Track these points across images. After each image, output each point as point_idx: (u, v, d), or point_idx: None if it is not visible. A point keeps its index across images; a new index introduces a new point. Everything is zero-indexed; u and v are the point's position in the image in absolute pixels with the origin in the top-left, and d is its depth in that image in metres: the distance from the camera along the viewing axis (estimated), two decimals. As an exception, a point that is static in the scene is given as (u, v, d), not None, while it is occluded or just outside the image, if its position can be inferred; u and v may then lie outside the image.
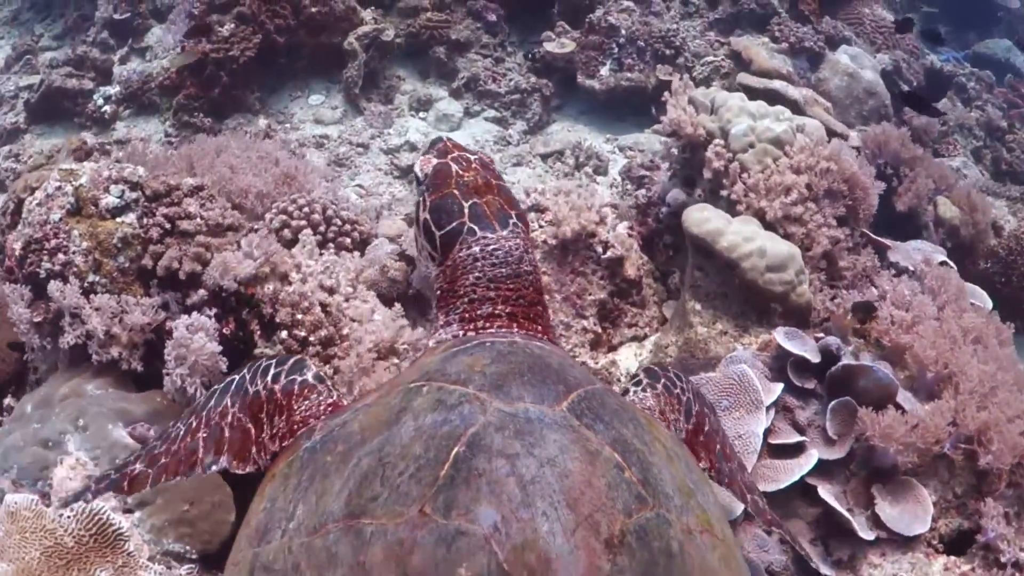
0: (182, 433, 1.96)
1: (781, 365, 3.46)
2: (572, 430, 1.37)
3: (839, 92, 6.97)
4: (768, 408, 3.32)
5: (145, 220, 3.44)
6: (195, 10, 6.89)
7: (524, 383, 1.45)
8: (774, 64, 6.53)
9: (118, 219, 3.41)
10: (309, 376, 1.87)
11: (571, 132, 6.93)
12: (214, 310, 3.39)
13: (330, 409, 1.79)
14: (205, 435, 1.89)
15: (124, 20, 7.13)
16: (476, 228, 1.86)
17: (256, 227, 3.88)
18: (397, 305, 3.58)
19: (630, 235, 4.15)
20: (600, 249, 3.88)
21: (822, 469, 3.30)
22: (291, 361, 1.92)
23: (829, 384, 3.41)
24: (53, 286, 3.28)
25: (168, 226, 3.43)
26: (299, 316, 3.38)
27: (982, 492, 3.29)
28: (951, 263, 4.20)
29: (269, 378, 1.87)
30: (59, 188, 3.52)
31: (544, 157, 6.48)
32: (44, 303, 3.39)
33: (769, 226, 3.73)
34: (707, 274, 3.67)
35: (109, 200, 3.40)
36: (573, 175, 6.31)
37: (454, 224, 1.87)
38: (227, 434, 1.85)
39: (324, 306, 3.51)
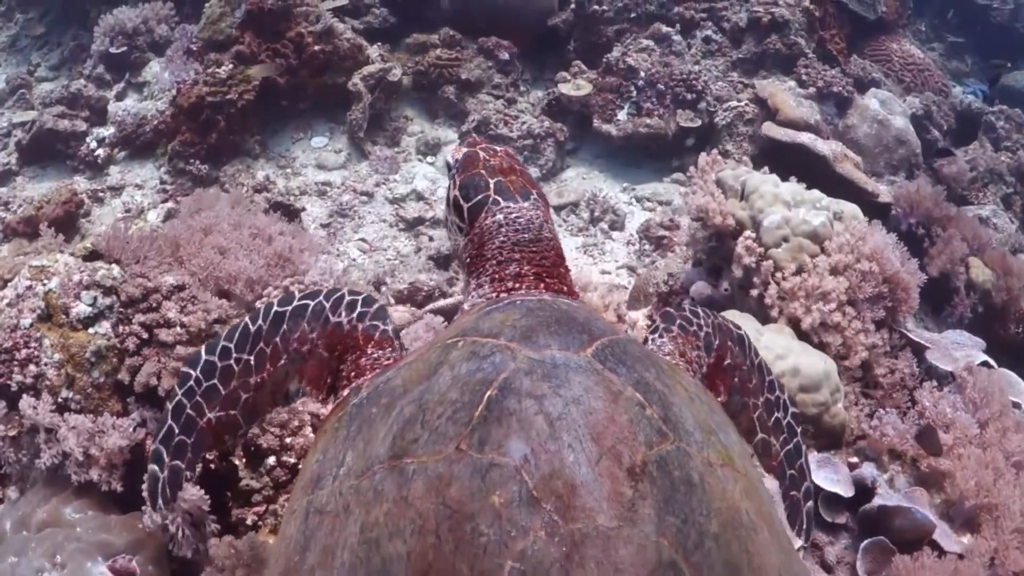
0: (255, 363, 1.99)
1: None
2: (596, 373, 1.45)
3: (868, 140, 6.62)
4: (797, 550, 3.05)
5: (121, 328, 3.15)
6: (193, 46, 6.61)
7: (551, 333, 1.54)
8: (801, 113, 6.19)
9: (91, 330, 3.13)
10: (390, 329, 1.96)
11: (586, 179, 6.61)
12: (195, 429, 3.12)
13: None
14: (287, 362, 1.96)
15: (120, 54, 6.84)
16: (500, 199, 2.01)
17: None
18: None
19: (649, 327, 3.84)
20: (617, 351, 3.57)
21: (851, 609, 3.07)
22: (376, 306, 1.99)
23: (862, 519, 3.18)
24: (25, 403, 3.05)
25: (145, 335, 3.15)
26: (288, 439, 3.09)
27: (1012, 626, 3.15)
28: (992, 362, 3.89)
29: (355, 315, 1.95)
30: (29, 288, 3.24)
31: (558, 209, 6.15)
32: (18, 416, 3.14)
33: (803, 334, 3.42)
34: (734, 390, 3.37)
35: (80, 309, 3.12)
36: (588, 229, 5.99)
37: (480, 196, 2.03)
38: (307, 362, 1.93)
39: (316, 419, 3.23)
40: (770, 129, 6.06)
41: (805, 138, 5.84)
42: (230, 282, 3.71)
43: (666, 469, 1.33)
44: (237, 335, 2.02)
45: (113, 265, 3.27)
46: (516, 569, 1.18)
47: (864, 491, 3.16)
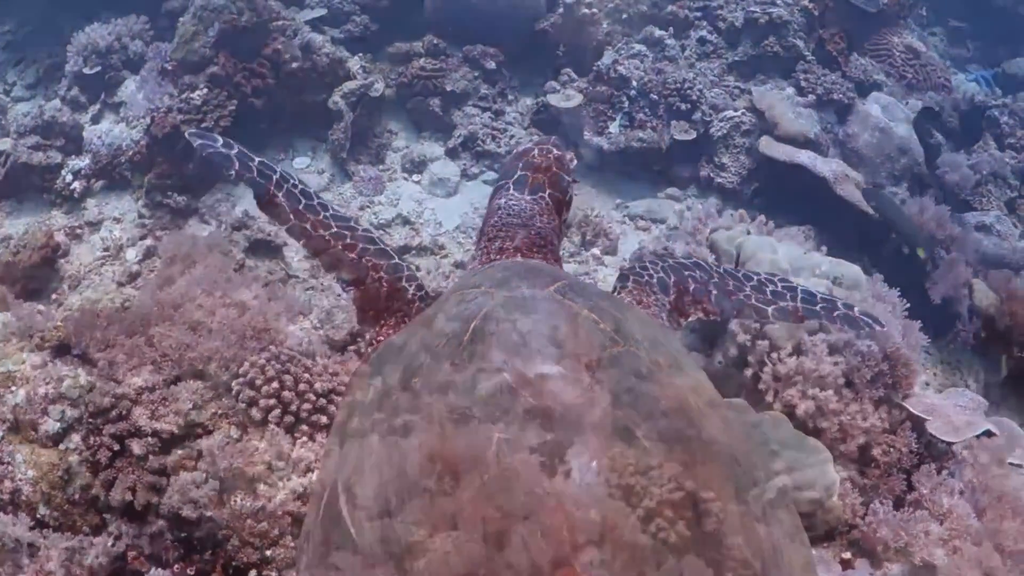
0: (335, 232, 2.40)
1: (806, 597, 3.10)
2: (558, 301, 1.79)
3: (869, 150, 6.40)
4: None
5: (91, 439, 3.05)
6: (168, 66, 6.35)
7: (521, 278, 1.89)
8: (800, 127, 5.97)
9: (61, 446, 3.03)
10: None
11: (578, 195, 6.38)
12: (172, 541, 3.04)
13: None
14: (354, 260, 2.35)
15: (95, 74, 6.58)
16: (511, 188, 2.32)
17: (219, 411, 3.48)
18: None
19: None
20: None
21: None
22: (432, 299, 2.27)
23: (852, 625, 3.08)
24: (4, 521, 2.96)
25: (117, 447, 3.05)
26: (268, 552, 3.01)
27: None
28: (994, 428, 3.77)
29: (419, 294, 2.30)
30: (-4, 395, 3.13)
31: (548, 233, 5.98)
32: (-4, 531, 3.06)
33: (799, 421, 3.31)
34: (727, 483, 3.27)
35: (49, 426, 3.01)
36: (579, 254, 5.83)
37: (502, 182, 2.37)
38: (367, 284, 2.32)
39: (296, 520, 3.15)
40: (768, 147, 5.86)
41: (804, 158, 5.65)
42: (203, 362, 3.59)
43: (618, 363, 1.63)
44: (340, 215, 2.45)
45: (79, 372, 3.15)
46: (502, 438, 1.47)
47: (858, 594, 3.08)
